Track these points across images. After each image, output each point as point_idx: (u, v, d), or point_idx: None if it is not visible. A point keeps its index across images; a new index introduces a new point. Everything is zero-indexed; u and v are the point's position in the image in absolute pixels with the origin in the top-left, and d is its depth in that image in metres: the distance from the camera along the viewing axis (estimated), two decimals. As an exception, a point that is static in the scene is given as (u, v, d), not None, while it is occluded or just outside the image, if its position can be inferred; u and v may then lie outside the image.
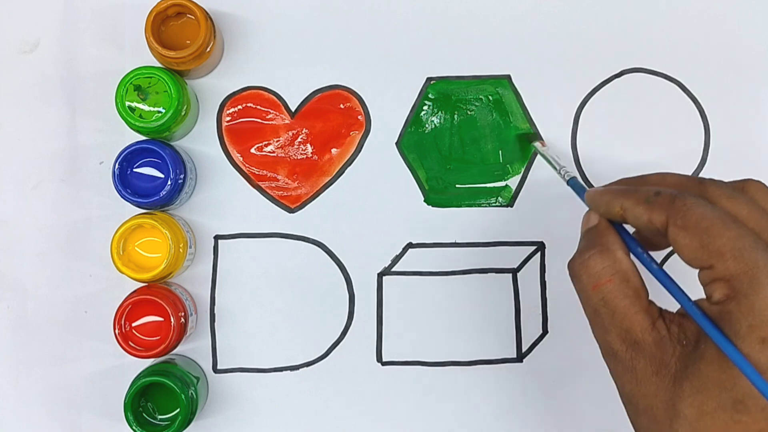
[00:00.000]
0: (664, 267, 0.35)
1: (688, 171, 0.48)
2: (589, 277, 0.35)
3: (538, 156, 0.48)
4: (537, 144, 0.47)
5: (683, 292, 0.33)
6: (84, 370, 0.47)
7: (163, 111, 0.43)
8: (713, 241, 0.31)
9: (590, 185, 0.48)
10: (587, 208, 0.38)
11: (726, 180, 0.37)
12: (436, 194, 0.48)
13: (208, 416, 0.47)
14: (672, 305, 0.34)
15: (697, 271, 0.33)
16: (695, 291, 0.33)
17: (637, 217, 0.34)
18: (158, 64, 0.45)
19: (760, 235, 0.32)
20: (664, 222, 0.33)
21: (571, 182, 0.42)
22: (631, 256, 0.36)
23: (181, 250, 0.44)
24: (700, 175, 0.48)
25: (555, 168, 0.44)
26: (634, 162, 0.48)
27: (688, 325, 0.33)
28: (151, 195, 0.44)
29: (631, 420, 0.35)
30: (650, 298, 0.35)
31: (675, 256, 0.35)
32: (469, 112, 0.48)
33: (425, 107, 0.48)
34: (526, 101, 0.48)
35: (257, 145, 0.48)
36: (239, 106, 0.48)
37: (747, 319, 0.30)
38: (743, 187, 0.36)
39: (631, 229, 0.36)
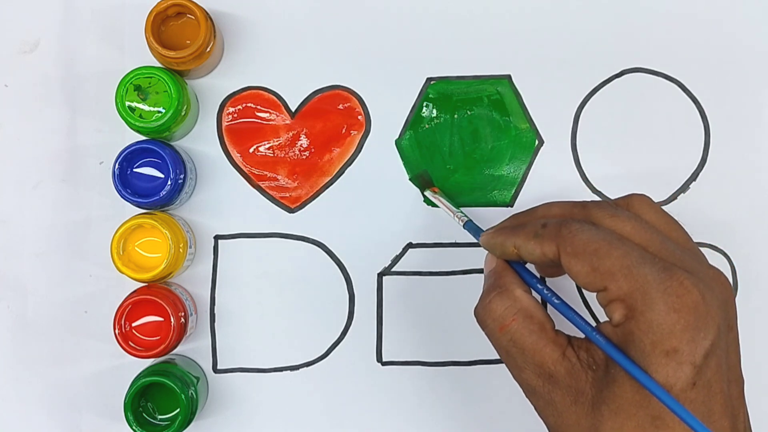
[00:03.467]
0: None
1: (688, 171, 0.48)
2: (494, 320, 0.36)
3: (539, 155, 0.48)
4: (428, 192, 0.47)
5: (585, 320, 0.34)
6: (84, 370, 0.47)
7: (163, 111, 0.43)
8: (603, 263, 0.32)
9: (592, 187, 0.48)
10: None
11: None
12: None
13: (208, 416, 0.47)
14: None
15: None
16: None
17: (530, 252, 0.35)
18: (158, 64, 0.45)
19: (646, 248, 0.33)
20: (556, 252, 0.34)
21: (467, 226, 0.42)
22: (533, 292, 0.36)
23: (181, 250, 0.44)
24: (701, 175, 0.48)
25: (449, 213, 0.44)
26: (634, 162, 0.48)
27: (594, 349, 0.33)
28: (151, 195, 0.44)
29: None
30: (561, 328, 0.35)
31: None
32: (469, 112, 0.48)
33: (425, 107, 0.48)
34: (526, 101, 0.48)
35: (257, 145, 0.48)
36: (239, 106, 0.48)
37: (648, 336, 0.31)
38: (628, 203, 0.37)
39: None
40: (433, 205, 0.48)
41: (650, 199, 0.37)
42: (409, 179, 0.48)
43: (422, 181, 0.47)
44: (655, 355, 0.31)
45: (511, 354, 0.35)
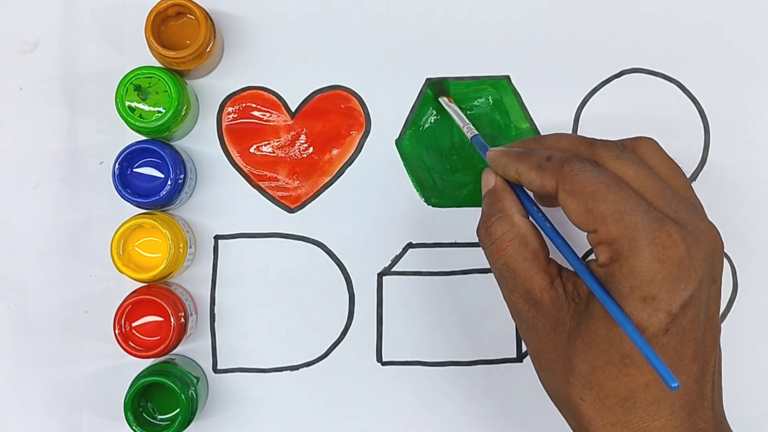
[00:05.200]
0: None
1: (688, 171, 0.48)
2: (493, 243, 0.37)
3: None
4: (443, 99, 0.47)
5: (574, 252, 0.35)
6: (84, 370, 0.47)
7: (163, 111, 0.43)
8: (597, 206, 0.33)
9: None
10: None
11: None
12: (436, 194, 0.48)
13: (208, 416, 0.47)
14: None
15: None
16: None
17: (531, 182, 0.36)
18: (158, 64, 0.45)
19: (644, 194, 0.34)
20: (555, 187, 0.35)
21: (474, 139, 0.43)
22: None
23: (181, 250, 0.44)
24: (701, 175, 0.48)
25: (459, 123, 0.45)
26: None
27: (580, 284, 0.35)
28: (151, 195, 0.44)
29: (538, 375, 0.37)
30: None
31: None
32: (469, 112, 0.48)
33: (425, 107, 0.48)
34: (526, 101, 0.48)
35: (257, 145, 0.48)
36: (239, 106, 0.48)
37: (629, 281, 0.32)
38: (635, 145, 0.38)
39: None
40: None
41: (657, 143, 0.38)
42: (428, 86, 0.47)
43: (439, 88, 0.47)
44: (632, 299, 0.32)
45: (504, 276, 0.37)
